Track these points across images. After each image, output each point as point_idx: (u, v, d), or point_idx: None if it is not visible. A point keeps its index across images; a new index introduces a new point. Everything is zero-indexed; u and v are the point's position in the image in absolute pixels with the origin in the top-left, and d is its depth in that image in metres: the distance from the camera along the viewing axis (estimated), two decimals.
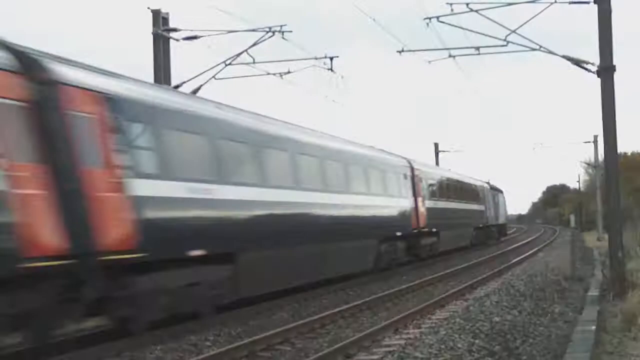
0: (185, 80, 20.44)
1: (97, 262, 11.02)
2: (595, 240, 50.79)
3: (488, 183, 52.64)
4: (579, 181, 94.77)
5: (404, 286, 20.84)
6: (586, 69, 18.50)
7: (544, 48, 19.32)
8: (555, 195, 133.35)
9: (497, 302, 16.24)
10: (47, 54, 11.39)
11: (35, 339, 10.74)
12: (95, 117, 11.50)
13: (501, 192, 60.00)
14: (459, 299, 18.09)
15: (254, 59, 21.16)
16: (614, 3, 17.96)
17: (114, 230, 11.46)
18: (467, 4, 18.84)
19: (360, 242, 22.62)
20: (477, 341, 11.47)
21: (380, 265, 24.77)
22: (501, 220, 58.51)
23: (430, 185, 33.24)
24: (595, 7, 18.01)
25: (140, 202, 12.11)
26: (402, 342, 11.68)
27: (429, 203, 31.57)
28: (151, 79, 19.81)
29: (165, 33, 20.47)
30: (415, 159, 32.16)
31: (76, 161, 10.91)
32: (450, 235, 35.45)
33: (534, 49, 19.46)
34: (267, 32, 20.60)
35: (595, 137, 57.07)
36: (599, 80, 18.07)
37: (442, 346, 10.99)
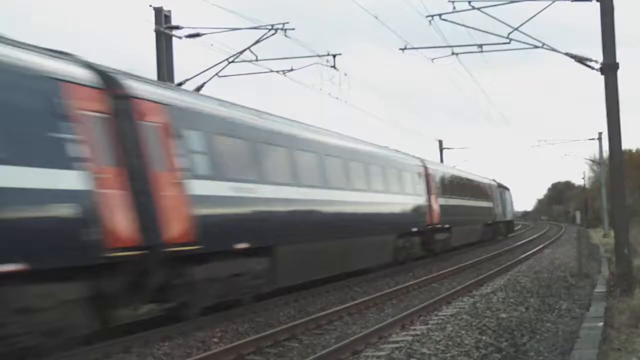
0: (189, 77, 20.49)
1: (162, 253, 12.52)
2: (601, 237, 50.68)
3: (495, 181, 53.49)
4: (584, 178, 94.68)
5: (410, 283, 20.86)
6: (589, 66, 18.46)
7: (547, 45, 19.29)
8: (560, 192, 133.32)
9: (503, 298, 16.23)
10: (122, 71, 12.95)
11: (106, 321, 11.94)
12: (159, 125, 13.09)
13: (508, 189, 60.90)
14: (466, 295, 18.07)
15: (256, 57, 21.19)
16: (616, 1, 17.92)
17: (176, 225, 12.96)
18: (470, 2, 18.79)
19: (381, 237, 24.10)
20: (484, 337, 11.48)
21: (398, 260, 26.26)
22: (508, 217, 59.97)
23: (443, 183, 34.47)
24: (598, 4, 17.96)
25: (196, 200, 13.63)
26: (409, 338, 11.67)
27: (442, 200, 32.99)
28: (154, 76, 19.84)
29: (167, 31, 20.47)
30: (428, 159, 33.84)
31: (146, 164, 12.47)
32: (462, 231, 36.90)
33: (536, 47, 19.41)
34: (270, 29, 20.59)
35: (600, 134, 57.00)
36: (602, 77, 18.06)
37: (449, 342, 10.99)
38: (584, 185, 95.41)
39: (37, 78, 10.55)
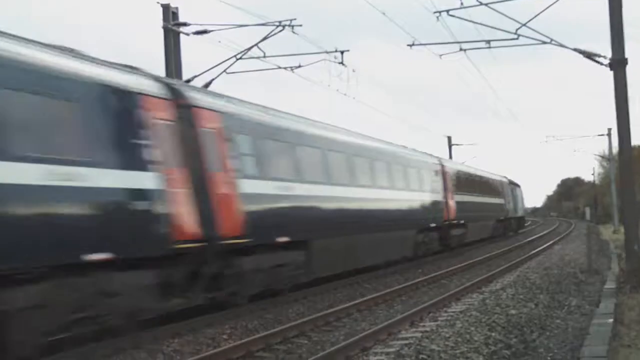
0: (197, 74, 20.50)
1: (218, 245, 13.96)
2: (611, 233, 50.55)
3: (506, 177, 54.38)
4: (593, 174, 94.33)
5: (419, 279, 20.85)
6: (598, 61, 18.41)
7: (555, 41, 19.23)
8: (570, 188, 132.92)
9: (513, 294, 16.19)
10: (184, 83, 15.08)
11: (169, 306, 13.16)
12: (215, 131, 14.60)
13: (519, 186, 61.89)
14: (475, 291, 18.06)
15: (264, 53, 21.17)
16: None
17: (229, 220, 14.44)
18: None
19: (403, 232, 25.74)
20: (493, 334, 11.45)
21: (418, 254, 27.67)
22: (519, 213, 61.33)
23: (458, 180, 35.73)
24: None
25: (245, 198, 15.16)
26: (419, 334, 11.67)
27: (457, 197, 34.44)
28: (162, 73, 19.87)
29: (175, 27, 20.48)
30: (444, 157, 36.03)
31: (204, 166, 13.99)
32: (476, 227, 38.41)
33: (545, 42, 19.37)
34: (277, 26, 20.54)
35: (609, 129, 56.84)
36: (611, 73, 18.00)
37: (459, 339, 10.97)
38: (594, 181, 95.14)
39: (121, 92, 12.12)
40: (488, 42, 20.66)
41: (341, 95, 23.45)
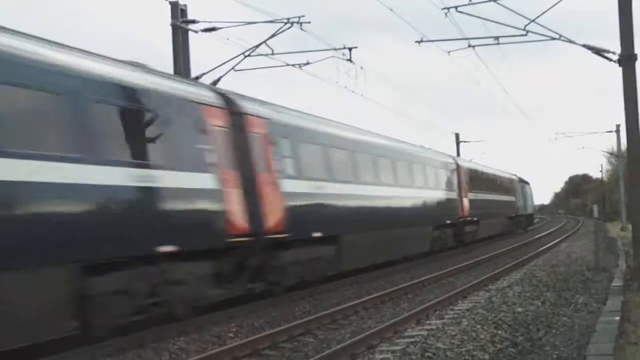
0: (205, 71, 20.48)
1: (263, 240, 15.39)
2: (619, 231, 50.39)
3: (516, 175, 55.53)
4: (601, 171, 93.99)
5: (425, 277, 20.82)
6: (607, 57, 18.32)
7: (564, 37, 19.15)
8: (578, 185, 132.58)
9: (519, 292, 16.16)
10: (236, 93, 16.28)
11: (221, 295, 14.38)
12: (261, 135, 16.10)
13: (528, 183, 63.19)
14: (481, 289, 18.02)
15: (272, 50, 21.10)
16: None
17: (273, 217, 15.90)
18: None
19: (421, 228, 27.30)
20: (499, 332, 11.43)
21: (434, 249, 29.05)
22: (529, 210, 63.04)
23: (471, 179, 37.27)
24: None
25: (286, 196, 16.65)
26: (425, 332, 11.65)
27: (471, 195, 36.00)
28: (171, 70, 19.87)
29: (183, 25, 20.47)
30: (459, 157, 38.16)
31: (253, 167, 15.45)
32: (488, 224, 39.92)
33: (553, 38, 19.27)
34: (286, 23, 20.48)
35: (618, 126, 56.62)
36: (620, 69, 17.91)
37: (465, 337, 10.95)
38: (602, 178, 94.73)
39: (187, 103, 13.73)
40: (497, 38, 20.60)
41: (349, 92, 23.44)
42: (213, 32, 20.71)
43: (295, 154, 17.66)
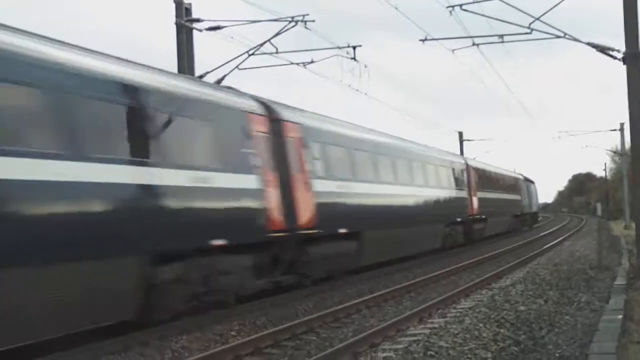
0: (209, 70, 20.47)
1: (296, 235, 16.73)
2: (623, 229, 50.34)
3: (522, 174, 57.04)
4: (605, 169, 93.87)
5: (428, 275, 20.81)
6: (611, 55, 18.31)
7: (569, 35, 19.13)
8: (581, 184, 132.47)
9: (522, 291, 16.15)
10: (275, 101, 17.75)
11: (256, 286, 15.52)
12: (296, 139, 17.53)
13: (533, 182, 64.60)
14: (484, 288, 18.02)
15: (277, 49, 21.08)
16: None
17: (305, 214, 17.26)
18: None
19: (435, 225, 28.73)
20: (502, 330, 11.43)
21: (445, 245, 30.27)
22: (534, 208, 64.53)
23: (480, 178, 38.69)
24: None
25: (317, 195, 17.99)
26: (427, 331, 11.65)
27: (480, 194, 37.40)
28: (175, 69, 19.87)
29: (188, 23, 20.46)
30: (464, 156, 39.44)
31: (288, 169, 16.83)
32: (495, 222, 41.44)
33: (558, 37, 19.25)
34: (290, 21, 20.45)
35: (622, 124, 56.53)
36: (624, 67, 17.89)
37: (467, 335, 10.95)
38: (605, 176, 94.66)
39: (237, 112, 15.29)
40: (501, 36, 20.53)
41: (353, 91, 23.43)
42: (217, 31, 20.69)
43: (324, 156, 19.06)
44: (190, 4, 20.67)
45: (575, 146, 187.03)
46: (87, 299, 10.55)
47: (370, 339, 11.23)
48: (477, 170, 38.65)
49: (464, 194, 34.35)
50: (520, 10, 19.09)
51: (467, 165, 36.55)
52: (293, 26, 20.46)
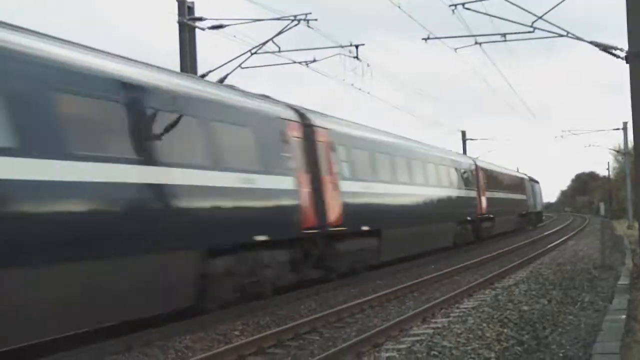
0: (212, 69, 20.45)
1: (326, 232, 18.08)
2: (626, 229, 50.27)
3: (527, 175, 58.58)
4: (608, 168, 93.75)
5: (431, 275, 20.79)
6: (615, 54, 18.25)
7: (572, 34, 19.09)
8: (584, 183, 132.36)
9: (525, 291, 16.13)
10: (307, 109, 19.10)
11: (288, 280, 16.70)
12: (325, 143, 18.96)
13: (537, 182, 66.00)
14: (488, 287, 18.00)
15: (279, 48, 21.06)
16: None
17: (333, 213, 18.63)
18: None
19: (447, 224, 30.17)
20: (505, 330, 11.42)
21: (456, 243, 31.57)
22: (538, 208, 66.34)
23: (488, 178, 40.20)
24: None
25: (343, 195, 19.35)
26: (430, 331, 11.64)
27: (488, 194, 38.91)
28: (177, 68, 19.86)
29: (190, 22, 20.44)
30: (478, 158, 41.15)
31: (319, 171, 18.24)
32: (502, 221, 42.82)
33: (561, 35, 19.20)
34: (292, 20, 20.43)
35: (625, 123, 56.44)
36: (627, 66, 17.84)
37: (471, 335, 10.94)
38: (609, 176, 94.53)
39: (275, 119, 16.70)
40: (504, 35, 20.46)
41: (355, 90, 23.44)
42: (220, 30, 20.68)
43: (349, 159, 20.50)
44: (192, 3, 20.65)
45: (578, 145, 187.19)
46: (153, 288, 11.86)
47: (374, 338, 11.22)
48: (485, 170, 39.98)
49: (473, 193, 35.67)
50: (523, 9, 19.06)
51: (476, 166, 37.95)
52: (295, 25, 20.45)
